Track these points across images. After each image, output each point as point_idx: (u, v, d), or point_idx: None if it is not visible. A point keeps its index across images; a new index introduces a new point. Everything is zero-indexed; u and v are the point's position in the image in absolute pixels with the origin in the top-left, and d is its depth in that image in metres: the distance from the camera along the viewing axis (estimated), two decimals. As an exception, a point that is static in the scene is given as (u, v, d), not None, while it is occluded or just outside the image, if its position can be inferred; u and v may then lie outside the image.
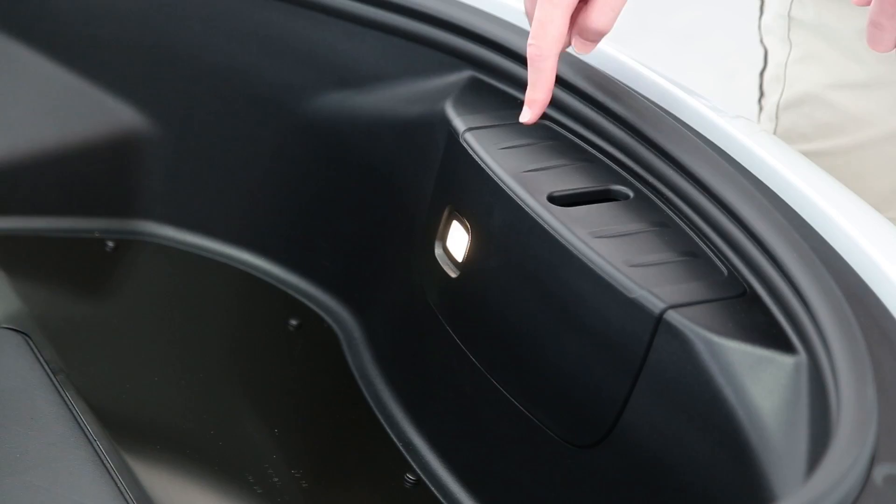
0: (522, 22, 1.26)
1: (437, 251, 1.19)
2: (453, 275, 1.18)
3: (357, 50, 1.38)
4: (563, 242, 1.04)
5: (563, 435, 1.09)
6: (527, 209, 1.08)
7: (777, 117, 1.41)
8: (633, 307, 0.99)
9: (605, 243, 1.03)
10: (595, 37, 1.11)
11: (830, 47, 1.33)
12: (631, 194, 1.10)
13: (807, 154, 1.39)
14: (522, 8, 1.30)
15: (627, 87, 1.21)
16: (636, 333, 0.99)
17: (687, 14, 3.17)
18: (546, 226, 1.06)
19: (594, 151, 1.16)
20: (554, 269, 1.06)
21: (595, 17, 1.10)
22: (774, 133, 1.43)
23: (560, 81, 1.22)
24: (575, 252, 1.03)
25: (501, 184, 1.11)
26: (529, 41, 1.11)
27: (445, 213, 1.19)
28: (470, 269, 1.16)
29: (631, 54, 1.26)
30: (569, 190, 1.10)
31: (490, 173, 1.12)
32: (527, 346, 1.11)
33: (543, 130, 1.19)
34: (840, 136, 1.36)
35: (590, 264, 1.02)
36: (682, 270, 1.01)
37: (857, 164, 1.35)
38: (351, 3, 1.37)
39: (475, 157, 1.14)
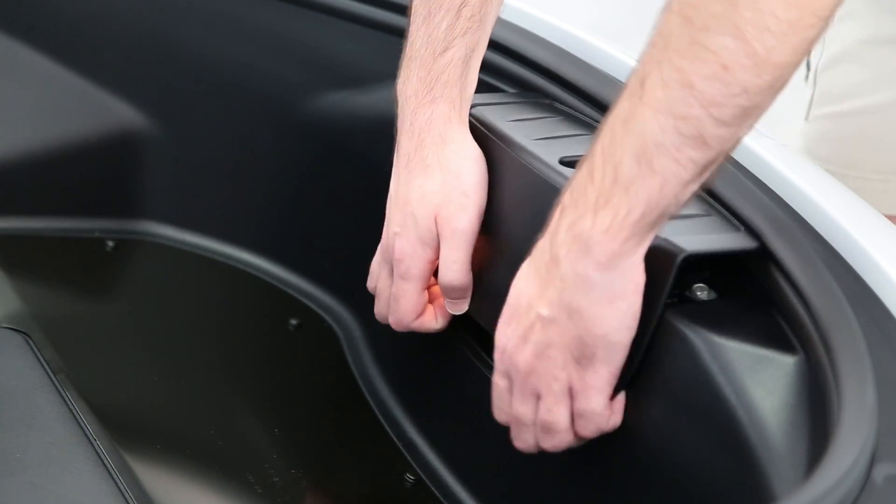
0: (522, 21, 1.26)
1: None
2: None
3: (358, 50, 1.38)
4: None
5: None
6: (539, 173, 1.07)
7: (815, 82, 1.41)
8: (650, 255, 0.97)
9: None
10: (453, 293, 1.13)
11: (867, 2, 1.33)
12: None
13: (840, 115, 1.39)
14: (524, 8, 1.30)
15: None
16: (654, 281, 0.97)
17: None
18: (559, 187, 1.06)
19: (594, 122, 1.16)
20: None
21: (443, 275, 1.12)
22: (812, 97, 1.43)
23: (561, 81, 1.22)
24: None
25: (513, 151, 1.10)
26: (389, 314, 1.15)
27: None
28: (479, 241, 1.15)
29: (631, 54, 1.26)
30: (581, 155, 1.10)
31: (500, 143, 1.12)
32: None
33: (551, 108, 1.19)
34: (874, 93, 1.36)
35: None
36: (698, 225, 1.00)
37: (889, 121, 1.35)
38: (352, 3, 1.37)
39: (484, 129, 1.13)
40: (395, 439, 1.28)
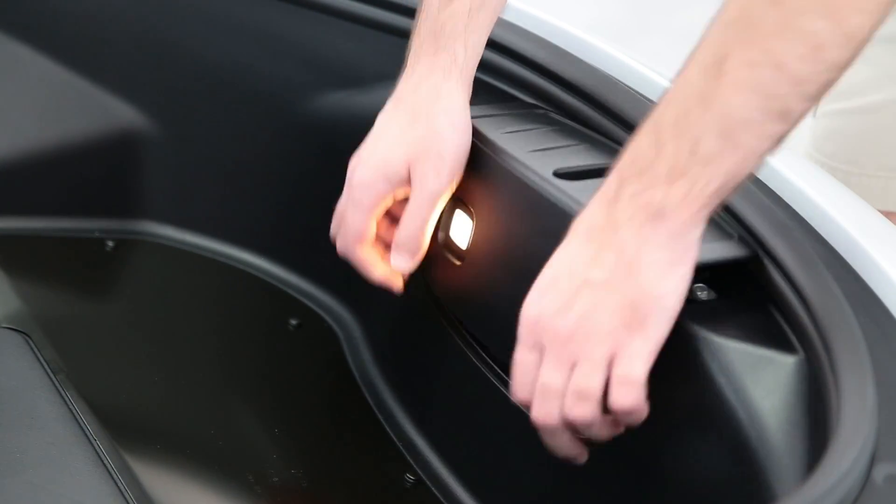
0: (521, 21, 1.26)
1: (441, 240, 1.19)
2: (458, 263, 1.18)
3: (358, 50, 1.38)
4: (571, 213, 1.04)
5: None
6: (533, 185, 1.08)
7: None
8: None
9: None
10: (403, 247, 1.15)
11: None
12: None
13: (845, 112, 1.40)
14: (524, 8, 1.31)
15: (628, 86, 1.21)
16: None
17: (687, 14, 3.17)
18: (552, 199, 1.06)
19: (597, 135, 1.16)
20: (561, 241, 1.05)
21: (401, 225, 1.14)
22: None
23: (559, 80, 1.22)
24: None
25: (507, 163, 1.11)
26: (337, 236, 1.18)
27: (449, 203, 1.19)
28: (475, 254, 1.16)
29: (631, 54, 1.26)
30: (574, 167, 1.10)
31: (495, 155, 1.12)
32: None
33: (545, 118, 1.19)
34: (880, 91, 1.36)
35: None
36: None
37: (892, 119, 1.36)
38: (352, 3, 1.37)
39: (479, 140, 1.14)
40: (395, 439, 1.28)
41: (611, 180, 0.94)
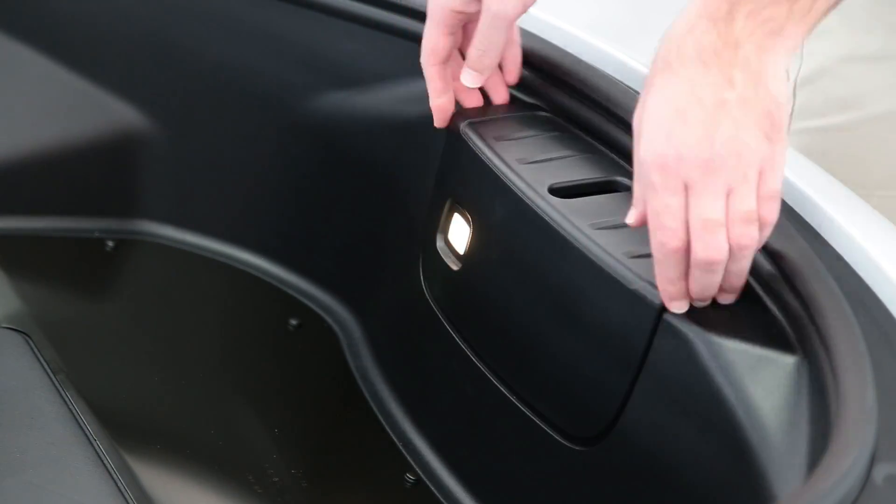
0: (521, 21, 1.26)
1: (439, 244, 1.19)
2: (455, 267, 1.18)
3: (357, 50, 1.38)
4: (564, 234, 1.04)
5: (565, 427, 1.09)
6: (527, 201, 1.08)
7: (794, 95, 1.42)
8: (634, 299, 0.98)
9: (606, 234, 1.03)
10: (475, 65, 1.16)
11: (843, 21, 1.33)
12: (632, 185, 1.10)
13: (821, 129, 1.39)
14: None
15: (628, 87, 1.21)
16: (637, 325, 0.99)
17: (687, 14, 3.16)
18: (546, 218, 1.06)
19: (597, 143, 1.16)
20: (554, 261, 1.06)
21: (471, 47, 1.16)
22: (791, 111, 1.43)
23: (559, 82, 1.22)
24: (575, 244, 1.03)
25: (502, 176, 1.11)
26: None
27: (447, 206, 1.19)
28: (471, 261, 1.16)
29: (631, 54, 1.26)
30: (570, 181, 1.10)
31: (490, 165, 1.12)
32: (527, 338, 1.11)
33: (545, 123, 1.19)
34: (853, 110, 1.36)
35: (590, 256, 1.02)
36: None
37: (870, 138, 1.35)
38: (352, 3, 1.37)
39: (475, 149, 1.14)
40: (395, 439, 1.28)
41: (713, 1, 0.92)
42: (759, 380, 0.93)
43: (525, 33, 1.24)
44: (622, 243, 1.02)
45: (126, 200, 1.55)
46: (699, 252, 0.94)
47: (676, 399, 0.98)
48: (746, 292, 0.98)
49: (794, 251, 0.98)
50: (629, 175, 1.08)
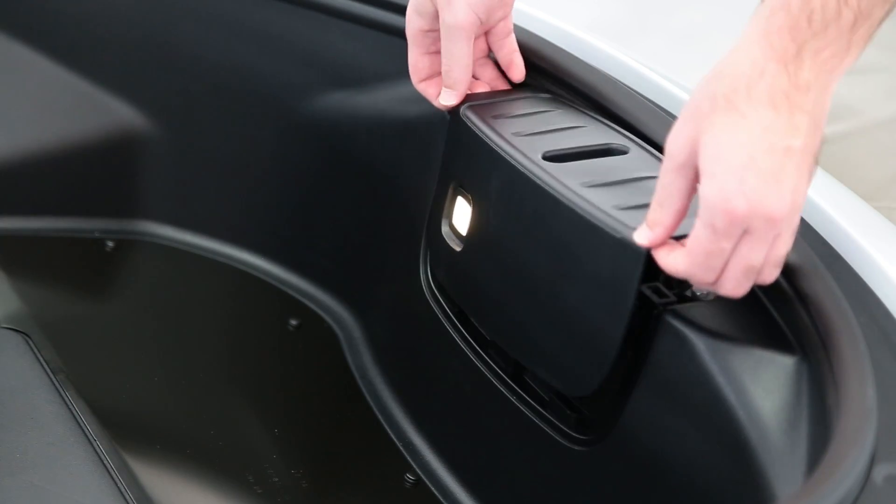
0: (521, 21, 1.26)
1: (444, 229, 1.19)
2: (458, 248, 1.18)
3: (357, 50, 1.38)
4: (554, 194, 1.04)
5: (565, 387, 1.08)
6: (521, 169, 1.08)
7: None
8: (622, 247, 0.97)
9: (597, 191, 1.03)
10: (446, 80, 1.17)
11: None
12: (629, 149, 1.10)
13: None
14: (523, 8, 1.31)
15: (628, 87, 1.21)
16: (626, 272, 0.98)
17: (687, 14, 3.18)
18: (539, 181, 1.06)
19: (595, 115, 1.16)
20: (547, 221, 1.06)
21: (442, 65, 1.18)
22: None
23: (558, 81, 1.22)
24: (564, 201, 1.03)
25: (497, 148, 1.11)
26: None
27: (450, 190, 1.19)
28: (472, 239, 1.16)
29: (631, 54, 1.26)
30: (565, 149, 1.10)
31: (486, 140, 1.12)
32: (525, 302, 1.10)
33: (544, 102, 1.19)
34: (834, 123, 1.36)
35: (579, 211, 1.01)
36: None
37: (851, 151, 1.35)
38: (352, 3, 1.37)
39: (473, 128, 1.14)
40: (394, 439, 1.28)
41: (781, 41, 0.90)
42: (759, 380, 0.93)
43: (524, 33, 1.24)
44: (613, 198, 1.02)
45: (126, 200, 1.55)
46: (727, 288, 0.94)
47: (677, 399, 0.98)
48: (747, 292, 0.98)
49: (795, 251, 0.98)
50: (627, 139, 1.11)
